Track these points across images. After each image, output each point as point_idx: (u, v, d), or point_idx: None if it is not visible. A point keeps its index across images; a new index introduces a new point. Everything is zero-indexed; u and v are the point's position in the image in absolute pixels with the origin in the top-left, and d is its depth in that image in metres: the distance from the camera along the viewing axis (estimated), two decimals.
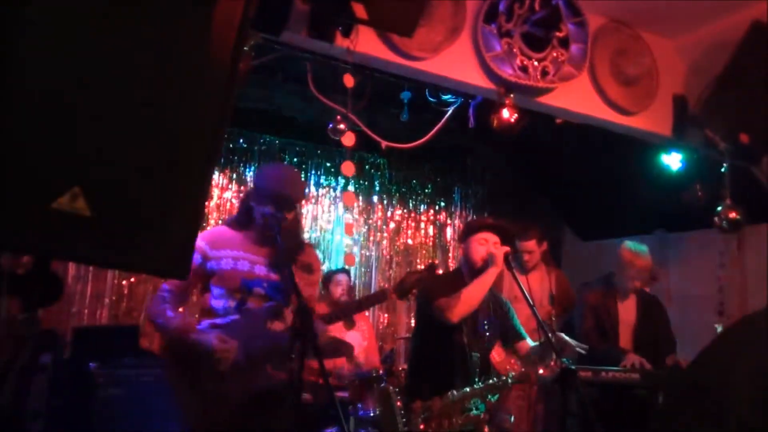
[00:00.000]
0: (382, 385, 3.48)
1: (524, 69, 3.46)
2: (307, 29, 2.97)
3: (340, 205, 6.02)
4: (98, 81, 1.14)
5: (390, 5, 2.87)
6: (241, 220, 2.72)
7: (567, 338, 2.92)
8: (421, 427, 2.81)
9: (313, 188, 5.95)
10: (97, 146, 1.15)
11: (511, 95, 3.50)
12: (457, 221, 6.55)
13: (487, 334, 3.09)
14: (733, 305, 4.56)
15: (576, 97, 3.76)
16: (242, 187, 5.55)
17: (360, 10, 2.88)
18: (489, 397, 2.89)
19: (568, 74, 3.58)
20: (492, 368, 3.19)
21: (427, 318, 3.06)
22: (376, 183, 6.23)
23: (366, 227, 6.16)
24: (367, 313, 5.68)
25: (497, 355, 3.29)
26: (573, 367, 2.56)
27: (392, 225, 6.28)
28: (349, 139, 3.25)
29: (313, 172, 5.95)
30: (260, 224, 2.64)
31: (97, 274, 4.99)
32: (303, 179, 5.81)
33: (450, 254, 6.48)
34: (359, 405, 3.61)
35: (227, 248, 2.63)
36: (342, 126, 3.32)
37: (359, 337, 4.37)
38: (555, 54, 3.54)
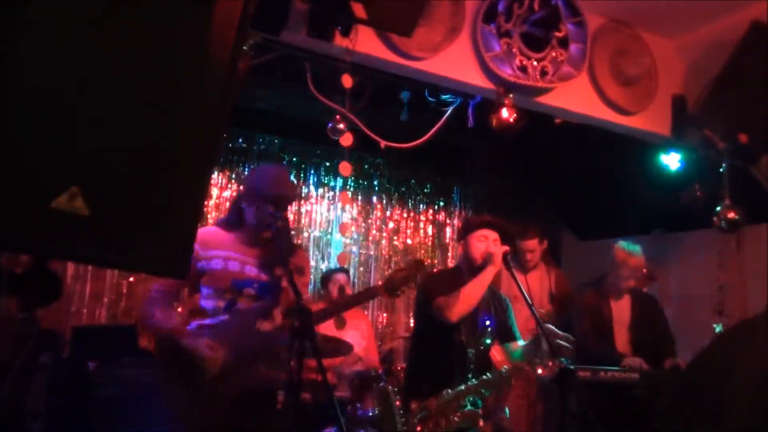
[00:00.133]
0: (381, 384, 3.48)
1: (523, 69, 3.47)
2: (307, 29, 2.97)
3: (340, 204, 6.03)
4: (97, 80, 1.14)
5: (389, 5, 2.87)
6: (232, 221, 2.72)
7: (554, 329, 2.91)
8: (418, 428, 2.81)
9: (312, 188, 5.95)
10: (96, 146, 1.15)
11: (511, 95, 3.50)
12: (456, 221, 6.54)
13: (487, 331, 3.09)
14: (732, 305, 4.56)
15: (575, 97, 3.76)
16: (242, 187, 5.55)
17: (359, 10, 2.88)
18: (484, 391, 2.89)
19: (567, 74, 3.59)
20: (492, 366, 3.19)
21: (426, 317, 3.06)
22: (375, 182, 6.22)
23: (365, 227, 6.16)
24: (366, 312, 5.69)
25: (497, 354, 3.29)
26: (572, 367, 2.56)
27: (391, 224, 6.28)
28: (346, 139, 3.25)
29: (312, 171, 5.94)
30: (251, 225, 2.64)
31: (96, 274, 4.98)
32: (296, 179, 5.81)
33: (449, 254, 6.48)
34: (358, 404, 3.61)
35: (218, 248, 2.62)
36: (341, 126, 3.32)
37: (358, 337, 4.36)
38: (554, 54, 3.54)
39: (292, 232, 5.68)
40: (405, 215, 6.36)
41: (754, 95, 3.55)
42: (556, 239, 6.35)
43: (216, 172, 5.45)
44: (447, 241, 6.50)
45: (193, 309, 2.62)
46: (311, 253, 5.84)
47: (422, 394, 2.91)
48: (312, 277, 5.65)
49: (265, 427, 2.56)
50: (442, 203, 6.54)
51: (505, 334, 3.19)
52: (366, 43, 3.14)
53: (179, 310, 2.64)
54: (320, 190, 5.99)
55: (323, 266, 5.74)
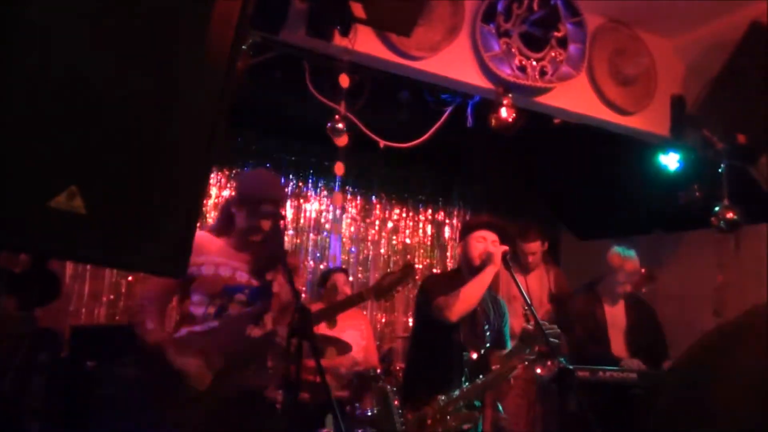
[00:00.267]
0: (380, 384, 3.48)
1: (522, 69, 3.47)
2: (306, 28, 2.97)
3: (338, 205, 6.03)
4: (95, 80, 1.14)
5: (388, 5, 2.87)
6: (222, 226, 2.70)
7: (542, 322, 2.89)
8: None
9: (311, 188, 5.95)
10: (95, 145, 1.15)
11: (510, 95, 3.50)
12: (455, 220, 6.55)
13: (486, 333, 3.09)
14: (731, 305, 4.56)
15: (574, 97, 3.76)
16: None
17: (358, 10, 2.88)
18: (479, 393, 2.89)
19: (566, 74, 3.59)
20: (490, 367, 3.19)
21: (425, 317, 3.06)
22: (374, 182, 6.22)
23: (364, 226, 6.16)
24: (365, 312, 5.69)
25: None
26: (570, 367, 2.56)
27: (390, 224, 6.28)
28: (341, 140, 3.24)
29: (311, 171, 5.94)
30: (240, 229, 2.64)
31: (95, 273, 4.98)
32: (295, 179, 5.81)
33: (448, 253, 6.48)
34: (357, 404, 3.61)
35: (209, 254, 2.60)
36: (340, 125, 3.32)
37: (358, 337, 4.36)
38: (553, 54, 3.54)
39: (290, 232, 5.69)
40: (404, 215, 6.36)
41: (753, 95, 3.55)
42: (555, 239, 6.35)
43: (215, 172, 5.45)
44: (446, 240, 6.51)
45: (183, 315, 2.61)
46: (309, 253, 5.84)
47: (421, 394, 2.90)
48: (309, 276, 5.66)
49: (254, 427, 2.55)
50: (440, 203, 6.54)
51: (497, 341, 3.18)
52: (365, 42, 3.14)
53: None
54: (319, 190, 5.99)
55: (322, 266, 5.74)
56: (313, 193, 5.95)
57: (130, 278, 5.12)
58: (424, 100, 3.84)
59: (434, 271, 6.21)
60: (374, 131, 3.74)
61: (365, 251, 6.14)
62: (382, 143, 3.77)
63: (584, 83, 3.80)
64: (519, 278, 2.96)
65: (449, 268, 6.10)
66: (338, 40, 3.01)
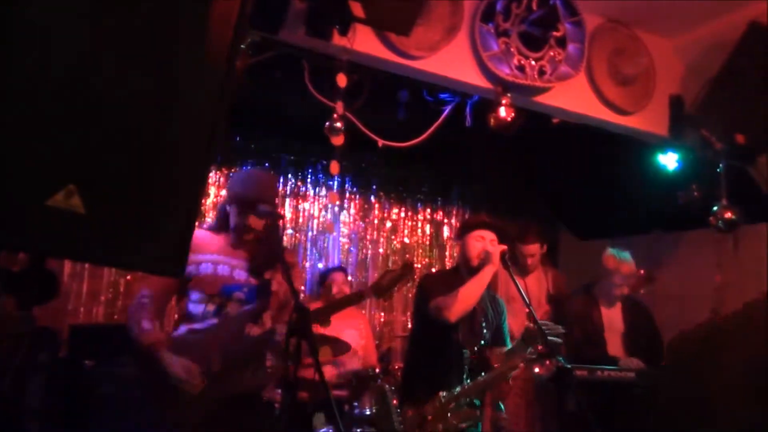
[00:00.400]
0: (379, 383, 3.48)
1: (521, 68, 3.47)
2: (305, 27, 2.97)
3: (338, 203, 6.03)
4: (95, 80, 1.14)
5: (387, 4, 2.88)
6: (219, 224, 2.71)
7: (544, 322, 2.90)
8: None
9: (309, 187, 5.95)
10: (94, 144, 1.15)
11: (508, 94, 3.50)
12: (454, 220, 6.55)
13: (484, 332, 3.09)
14: (729, 305, 4.56)
15: (573, 97, 3.77)
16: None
17: (357, 9, 2.88)
18: (479, 391, 2.90)
19: (565, 74, 3.59)
20: (489, 367, 3.19)
21: (424, 316, 3.06)
22: (373, 182, 6.22)
23: (363, 226, 6.16)
24: (363, 312, 5.69)
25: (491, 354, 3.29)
26: (569, 366, 2.56)
27: (389, 224, 6.28)
28: (337, 139, 3.24)
29: (310, 170, 5.94)
30: (233, 228, 2.64)
31: (94, 272, 4.98)
32: (294, 178, 5.81)
33: (447, 253, 6.49)
34: (355, 403, 3.61)
35: (207, 252, 2.61)
36: (339, 124, 3.32)
37: (357, 336, 4.36)
38: (552, 53, 3.54)
39: (289, 231, 5.68)
40: (403, 214, 6.36)
41: (752, 95, 3.56)
42: (554, 239, 6.36)
43: (214, 171, 5.45)
44: (445, 240, 6.51)
45: (181, 314, 2.61)
46: (308, 252, 5.84)
47: (419, 393, 2.91)
48: (308, 276, 5.65)
49: (252, 427, 2.55)
50: (439, 202, 6.54)
51: (496, 339, 3.18)
52: (364, 42, 3.14)
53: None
54: (318, 190, 5.99)
55: (320, 265, 5.74)
56: (312, 192, 5.95)
57: (128, 277, 5.12)
58: (423, 99, 3.84)
59: (433, 270, 6.22)
60: (373, 131, 3.74)
61: (364, 251, 6.14)
62: (381, 143, 3.77)
63: (583, 83, 3.80)
64: (517, 278, 2.96)
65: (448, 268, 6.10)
66: (337, 40, 3.01)
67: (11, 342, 3.24)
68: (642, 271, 4.14)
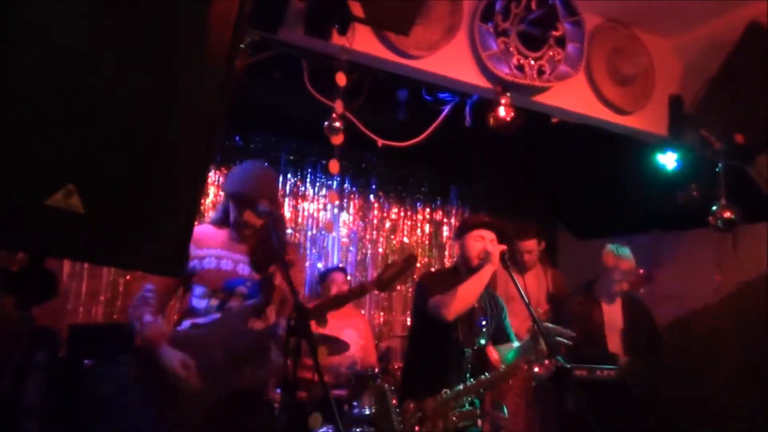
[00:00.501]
0: (378, 383, 3.48)
1: (521, 68, 3.47)
2: (304, 27, 2.97)
3: (337, 203, 6.02)
4: (94, 79, 1.14)
5: (387, 4, 2.88)
6: (222, 219, 2.72)
7: (553, 326, 2.90)
8: (416, 429, 2.82)
9: (309, 186, 5.94)
10: (93, 144, 1.15)
11: (508, 94, 3.50)
12: (453, 220, 6.55)
13: (483, 331, 3.10)
14: None
15: (572, 97, 3.77)
16: None
17: (357, 9, 2.88)
18: (482, 391, 2.90)
19: (564, 73, 3.59)
20: (489, 365, 3.20)
21: (422, 315, 3.07)
22: (372, 181, 6.22)
23: (362, 225, 6.16)
24: (363, 311, 5.69)
25: (495, 353, 3.29)
26: (568, 365, 2.56)
27: (388, 223, 6.28)
28: (337, 138, 3.24)
29: (309, 170, 5.94)
30: (232, 223, 2.65)
31: (93, 272, 4.97)
32: (293, 178, 5.80)
33: (446, 252, 6.49)
34: (355, 403, 3.61)
35: (210, 247, 2.62)
36: (338, 124, 3.32)
37: (356, 336, 4.37)
38: (551, 53, 3.54)
39: (288, 231, 5.68)
40: (402, 214, 6.36)
41: (751, 95, 3.56)
42: (553, 238, 6.36)
43: (213, 170, 5.45)
44: (444, 240, 6.51)
45: (185, 308, 2.61)
46: (308, 252, 5.83)
47: (419, 392, 2.91)
48: (307, 275, 5.65)
49: (252, 427, 2.55)
50: (439, 202, 6.54)
51: (499, 336, 3.19)
52: (363, 41, 3.14)
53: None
54: (317, 189, 5.98)
55: (320, 265, 5.74)
56: (311, 192, 5.95)
57: (127, 277, 5.11)
58: (423, 99, 3.84)
59: (432, 269, 6.22)
60: (372, 130, 3.74)
61: (363, 250, 6.14)
62: (380, 142, 3.77)
63: (582, 82, 3.80)
64: (516, 277, 2.97)
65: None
66: (336, 39, 3.01)
67: (10, 342, 3.24)
68: (641, 271, 4.14)
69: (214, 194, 5.52)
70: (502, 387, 3.29)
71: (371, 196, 6.22)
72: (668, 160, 4.26)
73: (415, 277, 5.05)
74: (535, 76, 3.50)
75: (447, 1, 3.33)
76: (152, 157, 1.20)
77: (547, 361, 2.88)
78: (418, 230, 6.42)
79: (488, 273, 3.00)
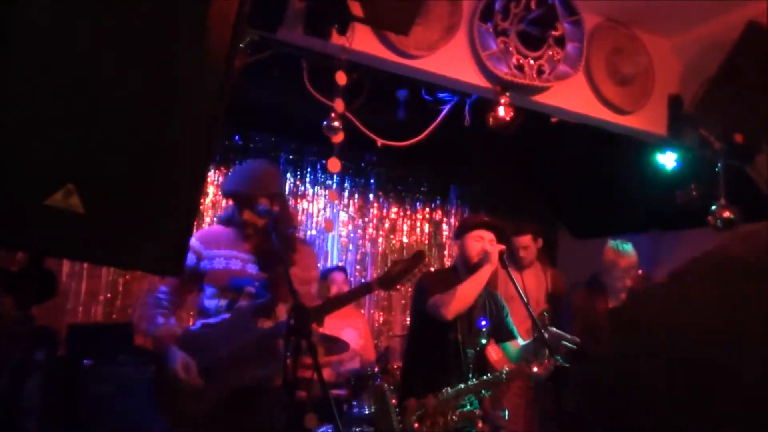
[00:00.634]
0: (377, 382, 3.48)
1: (520, 68, 3.47)
2: (304, 27, 2.97)
3: (336, 203, 6.02)
4: (94, 78, 1.14)
5: (386, 3, 2.88)
6: (229, 218, 2.73)
7: (558, 331, 2.91)
8: (416, 425, 2.82)
9: (308, 186, 5.94)
10: (95, 145, 1.15)
11: (507, 94, 3.50)
12: (452, 219, 6.55)
13: (483, 331, 3.10)
14: None
15: (572, 96, 3.76)
16: None
17: (356, 8, 2.88)
18: (483, 392, 2.90)
19: (563, 73, 3.59)
20: (489, 365, 3.20)
21: (421, 315, 3.07)
22: (371, 181, 6.22)
23: (362, 225, 6.16)
24: (362, 311, 5.69)
25: (495, 353, 3.29)
26: (567, 365, 2.56)
27: (387, 223, 6.28)
28: (336, 137, 3.24)
29: (309, 169, 5.94)
30: (236, 224, 2.66)
31: (92, 271, 4.97)
32: (293, 177, 5.79)
33: (446, 252, 6.49)
34: (354, 403, 3.61)
35: (220, 247, 2.63)
36: (337, 123, 3.32)
37: (356, 335, 4.37)
38: (551, 53, 3.54)
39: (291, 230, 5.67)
40: (401, 213, 6.36)
41: (750, 95, 3.56)
42: (552, 238, 6.36)
43: (212, 170, 5.44)
44: (443, 239, 6.51)
45: (198, 309, 2.65)
46: None
47: (418, 391, 2.91)
48: None
49: (256, 425, 2.56)
50: (438, 202, 6.54)
51: (502, 334, 3.19)
52: (363, 41, 3.14)
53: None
54: (317, 189, 5.98)
55: (319, 265, 5.74)
56: (311, 191, 5.95)
57: (127, 277, 5.11)
58: (422, 99, 3.84)
59: (431, 269, 6.21)
60: (372, 130, 3.74)
61: (363, 250, 6.14)
62: (379, 142, 3.76)
63: (582, 82, 3.80)
64: (515, 275, 2.97)
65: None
66: (336, 39, 3.01)
67: (10, 341, 3.24)
68: (640, 272, 4.14)
69: (213, 194, 5.52)
70: (501, 387, 3.29)
71: (371, 196, 6.22)
72: (668, 160, 4.26)
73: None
74: (534, 75, 3.50)
75: (446, 0, 3.33)
76: (152, 156, 1.20)
77: (546, 361, 2.89)
78: (418, 230, 6.42)
79: (487, 273, 3.01)
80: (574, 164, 5.58)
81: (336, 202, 5.98)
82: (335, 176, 5.97)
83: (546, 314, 3.85)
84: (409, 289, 5.87)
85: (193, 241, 2.63)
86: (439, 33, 3.32)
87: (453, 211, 6.58)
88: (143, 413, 3.63)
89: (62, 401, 3.90)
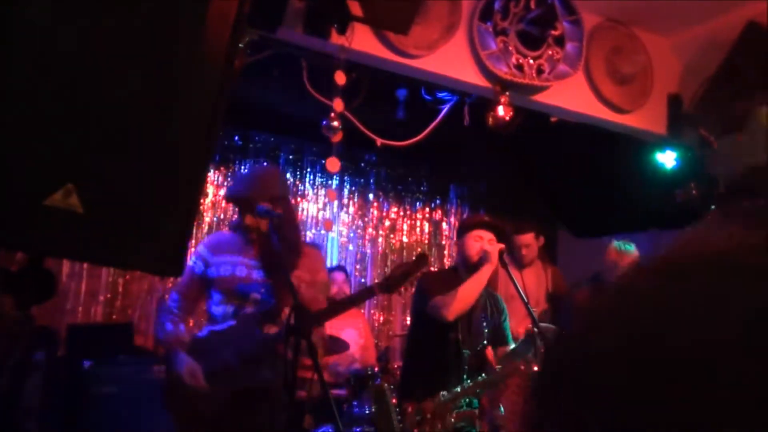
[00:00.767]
0: (377, 382, 3.48)
1: (519, 67, 3.47)
2: (303, 26, 2.97)
3: (336, 202, 6.02)
4: (93, 78, 1.14)
5: (386, 3, 2.88)
6: (237, 225, 2.74)
7: (555, 328, 2.91)
8: (415, 431, 2.82)
9: (308, 186, 5.94)
10: (92, 144, 1.14)
11: (507, 93, 3.50)
12: (452, 219, 6.55)
13: (484, 331, 3.10)
14: None
15: (571, 96, 3.76)
16: None
17: (356, 8, 2.88)
18: (479, 392, 2.90)
19: (563, 72, 3.59)
20: (488, 365, 3.20)
21: (422, 315, 3.07)
22: (371, 181, 6.23)
23: (361, 225, 6.16)
24: (362, 311, 5.69)
25: (492, 354, 3.29)
26: None
27: (387, 223, 6.28)
28: (335, 136, 3.24)
29: (309, 169, 5.94)
30: (240, 229, 2.67)
31: (92, 272, 4.97)
32: (292, 177, 5.79)
33: (446, 252, 6.49)
34: (354, 402, 3.61)
35: (227, 253, 2.65)
36: (336, 123, 3.32)
37: (356, 335, 4.37)
38: (550, 52, 3.54)
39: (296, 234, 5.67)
40: (401, 213, 6.36)
41: (750, 94, 3.56)
42: (552, 237, 6.36)
43: (211, 170, 5.44)
44: (443, 239, 6.51)
45: (207, 315, 2.68)
46: None
47: (417, 393, 2.91)
48: None
49: (259, 426, 2.56)
50: (438, 201, 6.54)
51: (497, 338, 3.19)
52: (362, 40, 3.14)
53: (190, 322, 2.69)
54: (316, 188, 5.98)
55: None
56: (310, 191, 5.95)
57: (126, 277, 5.11)
58: (422, 98, 3.84)
59: (431, 269, 6.21)
60: (372, 130, 3.74)
61: (362, 249, 6.14)
62: (379, 141, 3.76)
63: (581, 81, 3.80)
64: (515, 274, 2.97)
65: (447, 267, 6.11)
66: (335, 39, 3.01)
67: (9, 341, 3.24)
68: None
69: (213, 194, 5.52)
70: (500, 386, 3.29)
71: (370, 196, 6.22)
72: (667, 159, 4.26)
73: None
74: (534, 75, 3.50)
75: (446, 0, 3.33)
76: (151, 156, 1.20)
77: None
78: (418, 229, 6.42)
79: (487, 272, 3.00)
80: (573, 164, 5.58)
81: (335, 201, 5.98)
82: (335, 175, 5.96)
83: (544, 314, 3.85)
84: (411, 289, 5.90)
85: (201, 249, 2.67)
86: (439, 32, 3.32)
87: (453, 211, 6.58)
88: (143, 413, 3.63)
89: (62, 401, 3.90)
